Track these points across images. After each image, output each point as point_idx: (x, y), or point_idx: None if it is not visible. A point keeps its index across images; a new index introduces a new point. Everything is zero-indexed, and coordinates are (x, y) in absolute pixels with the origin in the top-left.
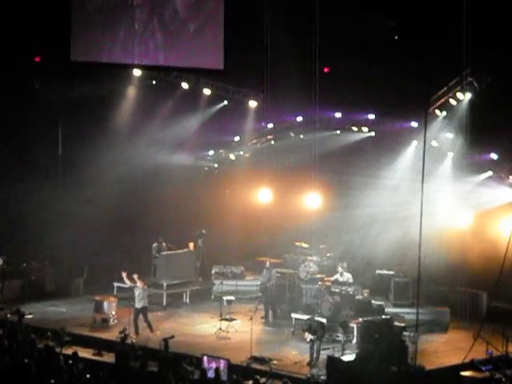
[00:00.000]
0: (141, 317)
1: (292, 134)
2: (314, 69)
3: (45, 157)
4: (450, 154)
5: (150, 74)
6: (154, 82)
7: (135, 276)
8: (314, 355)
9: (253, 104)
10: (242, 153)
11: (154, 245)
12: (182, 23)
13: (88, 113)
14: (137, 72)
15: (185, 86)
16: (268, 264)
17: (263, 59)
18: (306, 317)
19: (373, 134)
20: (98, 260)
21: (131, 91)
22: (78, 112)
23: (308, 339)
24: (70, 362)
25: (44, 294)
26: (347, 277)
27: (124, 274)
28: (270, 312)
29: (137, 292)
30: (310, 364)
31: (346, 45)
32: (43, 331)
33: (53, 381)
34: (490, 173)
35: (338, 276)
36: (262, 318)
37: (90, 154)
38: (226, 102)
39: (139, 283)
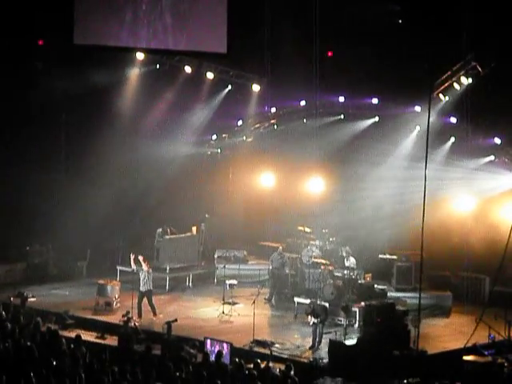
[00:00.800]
0: (144, 300)
1: (295, 119)
2: (315, 53)
3: (48, 141)
4: (452, 139)
5: (152, 58)
6: (157, 67)
7: (141, 258)
8: (317, 339)
9: (256, 88)
10: (244, 138)
11: (159, 230)
12: (186, 5)
13: (91, 98)
14: (140, 56)
15: (188, 69)
16: (281, 249)
17: (266, 43)
18: (308, 301)
19: (376, 119)
20: (100, 244)
21: (135, 76)
22: (82, 97)
23: (311, 323)
24: (73, 345)
25: (47, 278)
26: (351, 261)
27: (132, 257)
28: (275, 296)
29: (142, 275)
30: (313, 348)
31: (350, 29)
32: (46, 314)
33: (55, 363)
34: (492, 157)
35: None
36: (265, 299)
37: (94, 139)
38: (230, 87)
39: (144, 266)
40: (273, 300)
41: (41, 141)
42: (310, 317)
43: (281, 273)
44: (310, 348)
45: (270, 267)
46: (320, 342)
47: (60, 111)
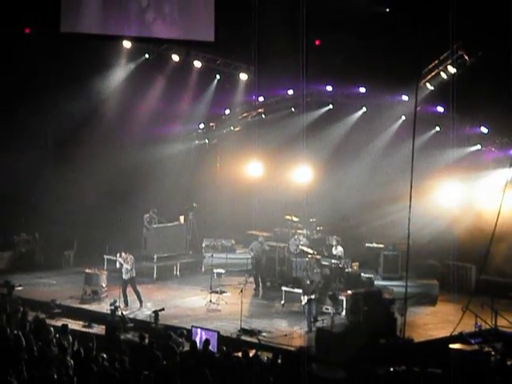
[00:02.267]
0: (130, 289)
1: (283, 108)
2: (302, 41)
3: (35, 129)
4: (437, 128)
5: (140, 47)
6: (147, 56)
7: (123, 254)
8: (312, 319)
9: (243, 77)
10: (232, 127)
11: (146, 215)
12: None
13: (79, 86)
14: (127, 44)
15: (175, 58)
16: (261, 238)
17: (254, 32)
18: (295, 290)
19: (364, 109)
20: (88, 233)
21: (122, 64)
22: (69, 85)
23: (304, 301)
24: (60, 334)
25: (34, 267)
26: (339, 250)
27: (120, 259)
28: (261, 284)
29: (124, 264)
30: (310, 332)
31: (337, 18)
32: (33, 303)
33: (42, 352)
34: (479, 147)
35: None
36: (255, 289)
37: (81, 128)
38: (218, 77)
39: (126, 254)
40: (259, 288)
41: (26, 128)
42: (302, 296)
43: (260, 261)
44: (307, 332)
45: (250, 255)
46: (316, 319)
47: (46, 99)
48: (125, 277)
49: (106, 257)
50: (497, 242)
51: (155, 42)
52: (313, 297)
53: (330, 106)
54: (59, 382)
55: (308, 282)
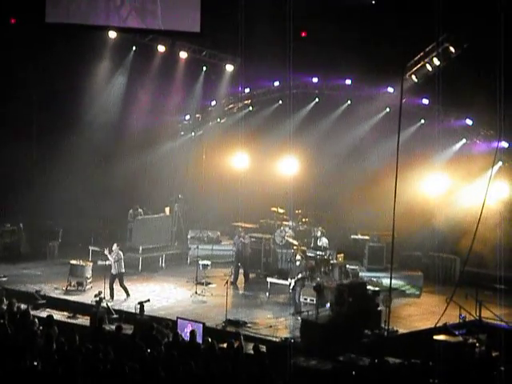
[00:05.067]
0: (117, 282)
1: (269, 99)
2: (288, 32)
3: (20, 118)
4: (422, 121)
5: (126, 38)
6: (134, 48)
7: (114, 246)
8: (298, 300)
9: (229, 68)
10: (218, 119)
11: (130, 211)
12: None
13: (64, 76)
14: (112, 34)
15: (161, 49)
16: (241, 232)
17: (240, 23)
18: (281, 281)
19: (349, 102)
20: (73, 224)
21: (108, 55)
22: (54, 75)
23: (292, 285)
24: (45, 325)
25: (19, 257)
26: (324, 241)
27: (106, 251)
28: (243, 278)
29: (112, 257)
30: (298, 313)
31: (323, 9)
32: (18, 294)
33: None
34: (464, 140)
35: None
36: (232, 283)
37: (66, 119)
38: (205, 69)
39: (114, 248)
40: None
41: (10, 119)
42: (289, 279)
43: (241, 254)
44: (293, 314)
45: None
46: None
47: (31, 88)
48: (113, 271)
49: (90, 248)
50: (481, 233)
51: (141, 32)
52: (299, 276)
53: (317, 100)
54: (44, 373)
55: (297, 263)
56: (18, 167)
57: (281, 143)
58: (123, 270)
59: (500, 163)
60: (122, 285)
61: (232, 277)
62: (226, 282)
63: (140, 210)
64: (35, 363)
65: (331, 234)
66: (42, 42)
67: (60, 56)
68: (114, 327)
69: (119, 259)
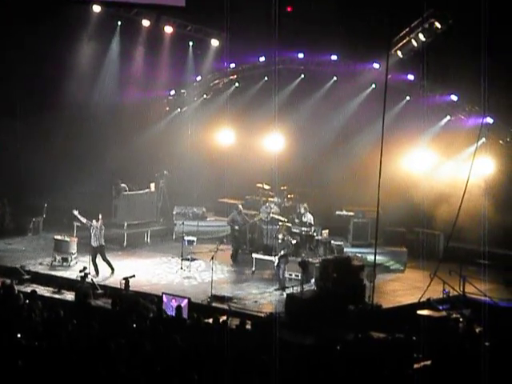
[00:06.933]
0: (100, 257)
1: (255, 75)
2: (274, 7)
3: (3, 97)
4: (407, 98)
5: (111, 13)
6: (119, 23)
7: (100, 216)
8: (281, 276)
9: (215, 43)
10: (204, 95)
11: (113, 187)
12: None
13: (47, 52)
14: (96, 8)
15: (146, 23)
16: (240, 206)
17: None
18: (266, 257)
19: (335, 78)
20: (57, 199)
21: (93, 30)
22: (37, 51)
23: (276, 261)
24: (29, 300)
25: (3, 233)
26: (308, 217)
27: (76, 212)
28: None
29: (93, 231)
30: (283, 288)
31: None
32: (2, 269)
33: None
34: (448, 117)
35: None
36: (233, 260)
37: (50, 93)
38: (192, 43)
39: (95, 222)
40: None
41: None
42: (274, 257)
43: (245, 232)
44: (278, 290)
45: (234, 227)
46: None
47: (13, 67)
48: (94, 244)
49: (75, 223)
50: (465, 209)
51: (125, 6)
52: (282, 252)
53: (302, 76)
54: (28, 348)
55: (279, 241)
56: (2, 143)
57: (267, 119)
58: (103, 243)
59: (484, 139)
60: (104, 258)
61: (224, 252)
62: (212, 258)
63: (124, 185)
64: (19, 336)
65: (316, 210)
66: (27, 19)
67: (45, 33)
68: (99, 302)
69: (101, 230)
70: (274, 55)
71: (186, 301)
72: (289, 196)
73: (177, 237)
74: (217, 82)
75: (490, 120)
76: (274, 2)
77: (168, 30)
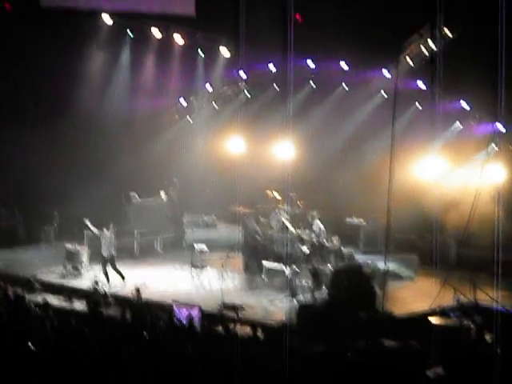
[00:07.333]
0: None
1: (264, 83)
2: (284, 16)
3: (14, 105)
4: (416, 104)
5: (122, 23)
6: (129, 34)
7: (110, 225)
8: (293, 284)
9: (224, 51)
10: (214, 103)
11: (123, 195)
12: None
13: (57, 62)
14: (108, 20)
15: (155, 32)
16: (261, 219)
17: (236, 5)
18: (276, 265)
19: (344, 86)
20: (68, 208)
21: (104, 40)
22: (47, 61)
23: (286, 269)
24: (41, 309)
25: (14, 242)
26: (318, 225)
27: (88, 222)
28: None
29: (103, 241)
30: (295, 296)
31: None
32: (13, 279)
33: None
34: (459, 123)
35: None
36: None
37: (60, 103)
38: (201, 52)
39: (106, 231)
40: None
41: (4, 104)
42: (286, 265)
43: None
44: (289, 297)
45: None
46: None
47: (26, 76)
48: (104, 253)
49: (86, 232)
50: (476, 216)
51: (135, 16)
52: (293, 260)
53: (311, 84)
54: (40, 358)
55: (290, 249)
56: (13, 153)
57: (276, 127)
58: (114, 253)
59: (495, 146)
60: (115, 268)
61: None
62: (222, 266)
63: (133, 194)
64: (31, 348)
65: (326, 217)
66: (38, 29)
67: (56, 43)
68: (110, 311)
69: (112, 240)
70: (286, 63)
71: (196, 309)
72: (298, 203)
73: (187, 245)
74: (226, 89)
75: (500, 127)
76: (287, 10)
77: (177, 38)
